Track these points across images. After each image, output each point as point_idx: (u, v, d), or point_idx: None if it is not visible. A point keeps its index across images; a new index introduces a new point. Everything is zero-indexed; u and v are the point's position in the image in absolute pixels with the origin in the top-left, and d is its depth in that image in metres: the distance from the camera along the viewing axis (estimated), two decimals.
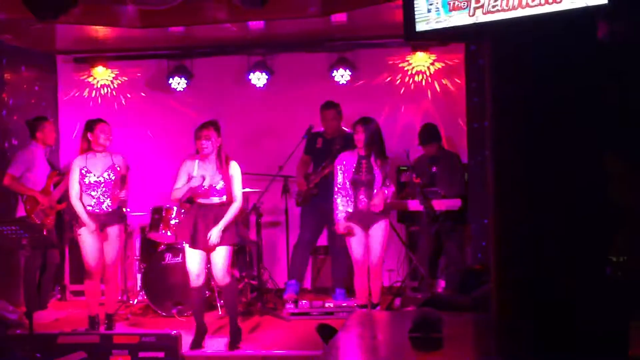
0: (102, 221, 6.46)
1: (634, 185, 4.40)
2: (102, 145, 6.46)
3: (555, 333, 3.70)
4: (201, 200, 6.15)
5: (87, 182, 6.42)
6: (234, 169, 6.15)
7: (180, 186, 6.11)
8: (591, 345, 3.60)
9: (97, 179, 6.43)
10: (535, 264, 3.72)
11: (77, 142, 6.64)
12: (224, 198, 6.11)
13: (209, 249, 6.11)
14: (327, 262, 8.10)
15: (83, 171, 6.42)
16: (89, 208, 6.42)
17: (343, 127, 7.69)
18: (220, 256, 6.09)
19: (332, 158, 7.04)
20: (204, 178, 6.04)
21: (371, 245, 6.58)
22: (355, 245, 6.62)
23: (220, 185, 6.09)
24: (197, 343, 6.13)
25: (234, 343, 6.15)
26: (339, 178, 6.61)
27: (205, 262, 6.21)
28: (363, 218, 6.57)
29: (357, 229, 6.59)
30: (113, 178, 6.48)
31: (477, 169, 7.36)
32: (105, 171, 6.46)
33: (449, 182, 7.42)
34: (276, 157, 7.88)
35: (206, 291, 6.81)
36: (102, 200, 6.46)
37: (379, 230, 6.56)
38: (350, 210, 6.57)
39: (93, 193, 6.44)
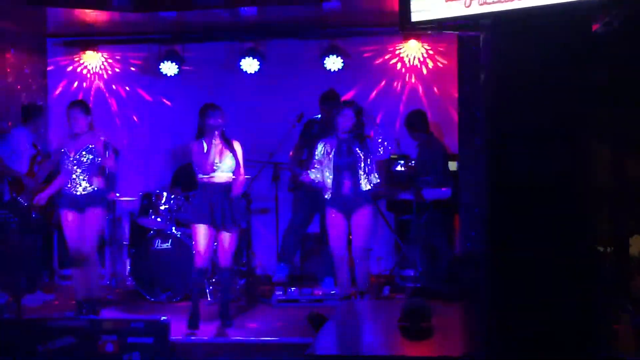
0: (80, 203, 6.41)
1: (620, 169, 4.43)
2: (74, 128, 6.41)
3: (541, 327, 3.72)
4: (211, 179, 6.23)
5: (65, 163, 6.40)
6: (238, 147, 6.32)
7: (208, 153, 6.17)
8: (572, 343, 3.64)
9: (72, 160, 6.37)
10: (529, 255, 3.73)
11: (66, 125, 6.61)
12: (231, 175, 6.26)
13: (221, 228, 6.21)
14: (316, 250, 8.09)
15: (62, 151, 6.42)
16: (66, 188, 6.40)
17: None
18: (231, 238, 6.26)
19: None
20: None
21: (354, 232, 6.45)
22: (335, 237, 6.49)
23: (227, 162, 6.22)
24: (194, 323, 6.16)
25: (226, 322, 6.26)
26: (318, 159, 6.52)
27: (212, 243, 6.31)
28: (346, 203, 6.43)
29: (339, 217, 6.46)
30: (89, 159, 6.38)
31: (468, 157, 7.35)
32: (81, 152, 6.38)
33: (425, 170, 7.44)
34: (267, 144, 7.85)
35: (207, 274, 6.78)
36: (79, 182, 6.41)
37: (362, 216, 6.43)
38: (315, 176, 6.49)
39: (72, 174, 6.38)
